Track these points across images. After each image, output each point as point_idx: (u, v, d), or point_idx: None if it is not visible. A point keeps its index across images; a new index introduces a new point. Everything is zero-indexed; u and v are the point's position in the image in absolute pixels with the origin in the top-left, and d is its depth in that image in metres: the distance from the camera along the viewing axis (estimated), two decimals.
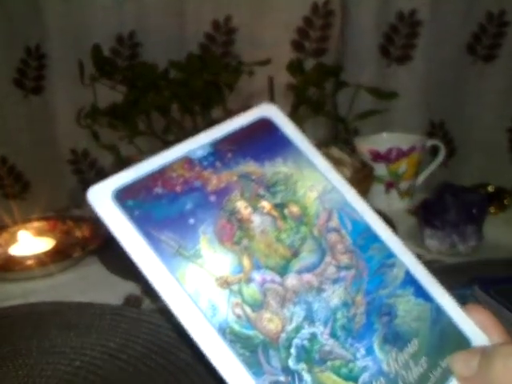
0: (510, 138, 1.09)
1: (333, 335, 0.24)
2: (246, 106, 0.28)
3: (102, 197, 0.23)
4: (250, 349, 0.22)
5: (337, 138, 1.03)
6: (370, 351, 0.24)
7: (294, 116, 0.77)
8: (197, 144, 0.26)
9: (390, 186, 0.80)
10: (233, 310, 0.22)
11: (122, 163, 0.69)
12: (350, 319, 0.24)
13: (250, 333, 0.22)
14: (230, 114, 0.82)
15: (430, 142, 0.83)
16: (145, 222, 0.23)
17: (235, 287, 0.23)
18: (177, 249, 0.23)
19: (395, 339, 0.24)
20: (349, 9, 1.00)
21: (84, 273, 0.65)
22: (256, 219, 0.25)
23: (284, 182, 0.26)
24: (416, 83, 1.04)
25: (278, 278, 0.24)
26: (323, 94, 0.80)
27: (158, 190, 0.24)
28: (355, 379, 0.23)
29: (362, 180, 0.65)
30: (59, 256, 0.65)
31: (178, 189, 0.24)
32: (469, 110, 1.08)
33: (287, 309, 0.23)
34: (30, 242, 0.69)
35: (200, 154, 0.25)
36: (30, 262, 0.64)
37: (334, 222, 0.26)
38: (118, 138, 0.85)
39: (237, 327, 0.22)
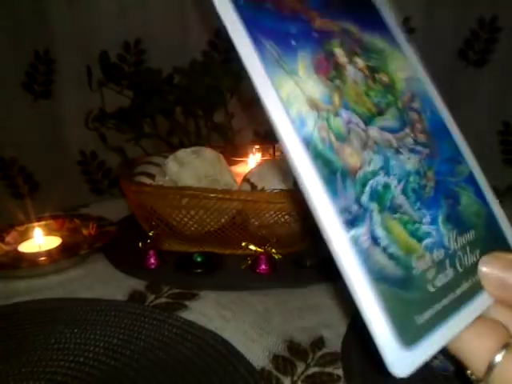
0: (500, 141, 1.08)
1: (404, 193, 0.23)
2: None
3: None
4: (330, 169, 0.21)
5: None
6: (434, 222, 0.23)
7: None
8: None
9: None
10: (319, 131, 0.22)
11: (128, 165, 0.68)
12: (421, 187, 0.24)
13: (332, 157, 0.21)
14: (231, 117, 0.81)
15: None
16: (253, 23, 0.22)
17: (323, 114, 0.22)
18: (277, 58, 0.22)
19: (457, 222, 0.24)
20: None
21: (90, 269, 0.64)
22: (350, 69, 0.24)
23: (378, 52, 0.26)
24: None
25: (362, 125, 0.23)
26: None
27: (269, 5, 0.23)
28: (419, 239, 0.22)
29: None
30: (66, 253, 0.64)
31: (287, 12, 0.23)
32: (460, 114, 1.06)
33: (367, 153, 0.22)
34: (38, 240, 0.68)
35: None
36: (37, 259, 0.62)
37: (417, 104, 0.26)
38: (124, 141, 0.85)
39: (320, 146, 0.21)
